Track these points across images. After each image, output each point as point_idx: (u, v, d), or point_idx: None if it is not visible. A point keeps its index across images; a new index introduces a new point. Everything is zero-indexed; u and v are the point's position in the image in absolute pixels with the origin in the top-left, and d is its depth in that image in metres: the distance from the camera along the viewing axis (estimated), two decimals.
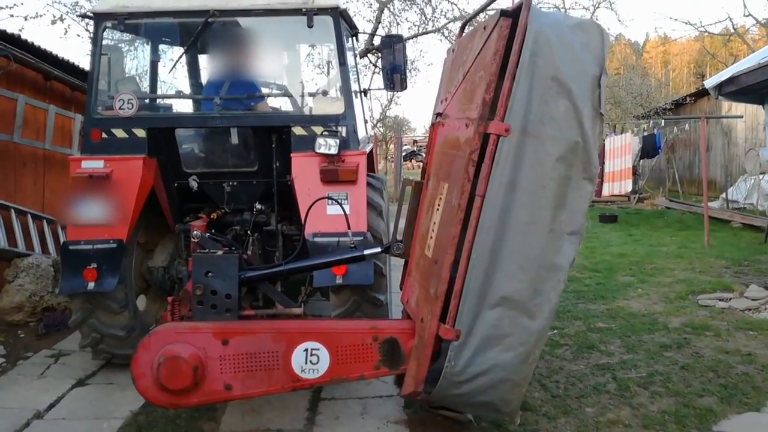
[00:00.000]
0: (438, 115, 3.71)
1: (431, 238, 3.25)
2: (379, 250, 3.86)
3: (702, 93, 17.21)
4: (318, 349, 3.37)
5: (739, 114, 14.94)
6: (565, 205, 2.94)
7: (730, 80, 7.14)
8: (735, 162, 16.14)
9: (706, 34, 24.96)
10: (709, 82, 7.94)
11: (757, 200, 12.78)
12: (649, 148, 16.05)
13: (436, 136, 3.63)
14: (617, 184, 15.05)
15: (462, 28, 4.10)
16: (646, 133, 16.40)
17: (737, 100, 8.81)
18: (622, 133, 16.58)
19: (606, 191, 15.37)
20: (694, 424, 3.72)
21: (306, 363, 3.37)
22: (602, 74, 2.96)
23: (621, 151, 14.94)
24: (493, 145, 2.87)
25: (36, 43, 7.27)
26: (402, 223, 3.91)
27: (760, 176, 12.49)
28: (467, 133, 3.00)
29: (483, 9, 3.84)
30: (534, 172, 2.89)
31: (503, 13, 2.88)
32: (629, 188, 14.59)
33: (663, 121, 17.30)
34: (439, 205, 3.23)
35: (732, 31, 22.31)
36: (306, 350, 3.37)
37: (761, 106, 7.33)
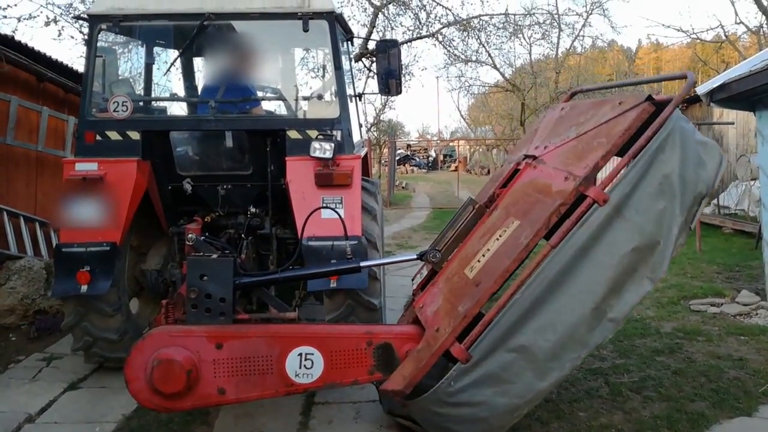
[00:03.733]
0: (529, 157, 3.78)
1: (478, 261, 3.28)
2: (414, 256, 3.88)
3: (694, 99, 17.28)
4: (312, 354, 3.37)
5: (730, 120, 15.03)
6: (619, 292, 2.99)
7: (722, 87, 7.16)
8: (727, 168, 16.23)
9: (698, 41, 25.12)
10: (701, 89, 7.96)
11: (749, 206, 12.86)
12: None
13: (522, 176, 3.68)
14: None
15: (572, 96, 4.30)
16: None
17: (729, 107, 8.85)
18: None
19: None
20: (686, 429, 3.74)
21: (300, 367, 3.36)
22: (706, 195, 3.07)
23: None
24: (585, 207, 2.94)
25: (29, 45, 7.25)
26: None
27: (752, 182, 12.58)
28: (564, 185, 3.06)
29: (609, 87, 3.87)
30: (609, 249, 2.96)
31: (649, 98, 2.99)
32: None
33: None
34: (500, 236, 3.27)
35: (723, 38, 22.46)
36: (300, 355, 3.36)
37: (752, 112, 7.36)
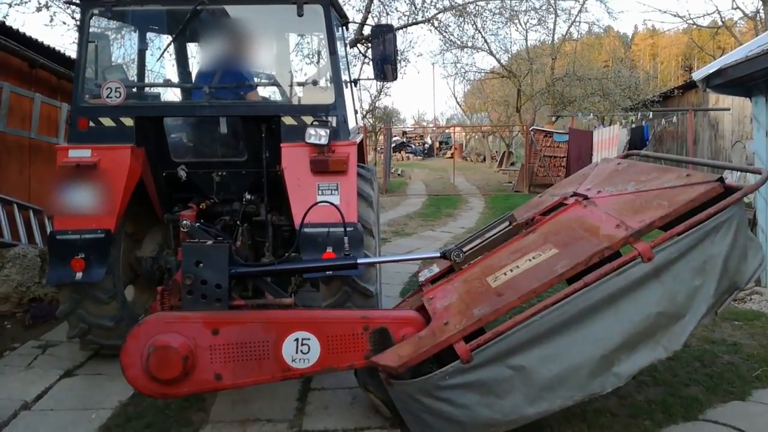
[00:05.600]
0: (579, 195, 3.89)
1: (505, 274, 3.34)
2: (438, 254, 3.91)
3: (690, 85, 17.31)
4: (309, 339, 3.38)
5: (726, 106, 15.05)
6: (631, 350, 3.03)
7: (718, 73, 7.14)
8: (722, 154, 16.27)
9: (695, 26, 25.09)
10: (697, 75, 7.94)
11: None
12: (636, 140, 16.16)
13: (569, 210, 3.78)
14: None
15: (626, 156, 4.43)
16: (634, 125, 16.51)
17: (724, 93, 8.84)
18: (610, 125, 16.67)
19: None
20: (680, 413, 3.76)
21: (297, 352, 3.38)
22: (739, 289, 3.18)
23: (608, 143, 15.02)
24: (628, 258, 3.00)
25: (21, 30, 7.18)
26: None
27: None
28: (614, 231, 3.16)
29: (663, 157, 4.01)
30: (635, 304, 3.01)
31: (721, 180, 3.12)
32: None
33: (651, 113, 17.39)
34: (533, 258, 3.34)
35: (720, 24, 22.43)
36: (297, 340, 3.38)
37: (748, 98, 7.36)
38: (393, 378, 3.23)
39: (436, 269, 4.16)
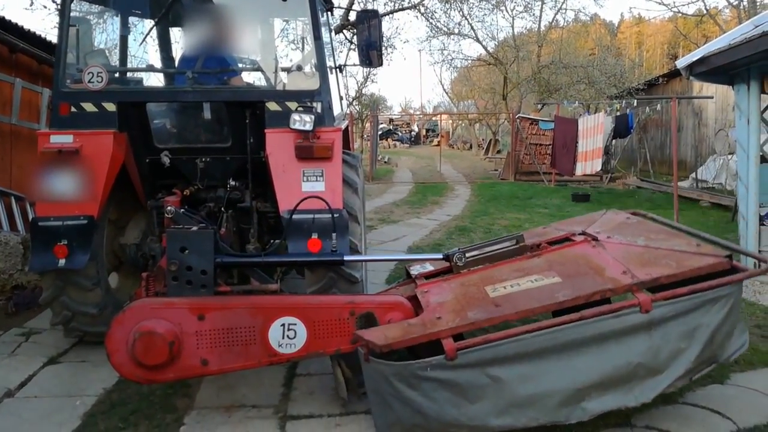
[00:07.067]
0: (587, 235, 4.01)
1: (504, 288, 3.43)
2: (440, 256, 3.95)
3: (674, 74, 17.42)
4: (295, 324, 3.39)
5: (709, 95, 15.16)
6: (604, 390, 3.10)
7: (701, 61, 7.19)
8: (705, 142, 16.43)
9: (680, 15, 25.21)
10: (681, 63, 7.98)
11: (726, 180, 13.05)
12: (621, 128, 16.25)
13: (576, 246, 3.88)
14: (589, 164, 15.22)
15: (634, 214, 4.49)
16: (619, 113, 16.58)
17: (708, 81, 8.91)
18: (595, 112, 16.74)
19: (579, 171, 15.53)
20: (660, 397, 3.81)
21: (283, 338, 3.39)
22: (717, 363, 3.33)
23: (593, 131, 15.08)
24: (627, 304, 3.09)
25: (0, 14, 7.05)
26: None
27: (729, 156, 12.75)
28: (620, 276, 3.31)
29: (669, 224, 4.13)
30: (620, 349, 3.10)
31: (729, 257, 3.31)
32: (598, 167, 14.79)
33: (635, 101, 17.48)
34: (535, 280, 3.45)
35: (704, 12, 22.55)
36: (283, 325, 3.39)
37: (731, 86, 7.42)
38: (373, 356, 3.24)
39: (429, 266, 4.21)
